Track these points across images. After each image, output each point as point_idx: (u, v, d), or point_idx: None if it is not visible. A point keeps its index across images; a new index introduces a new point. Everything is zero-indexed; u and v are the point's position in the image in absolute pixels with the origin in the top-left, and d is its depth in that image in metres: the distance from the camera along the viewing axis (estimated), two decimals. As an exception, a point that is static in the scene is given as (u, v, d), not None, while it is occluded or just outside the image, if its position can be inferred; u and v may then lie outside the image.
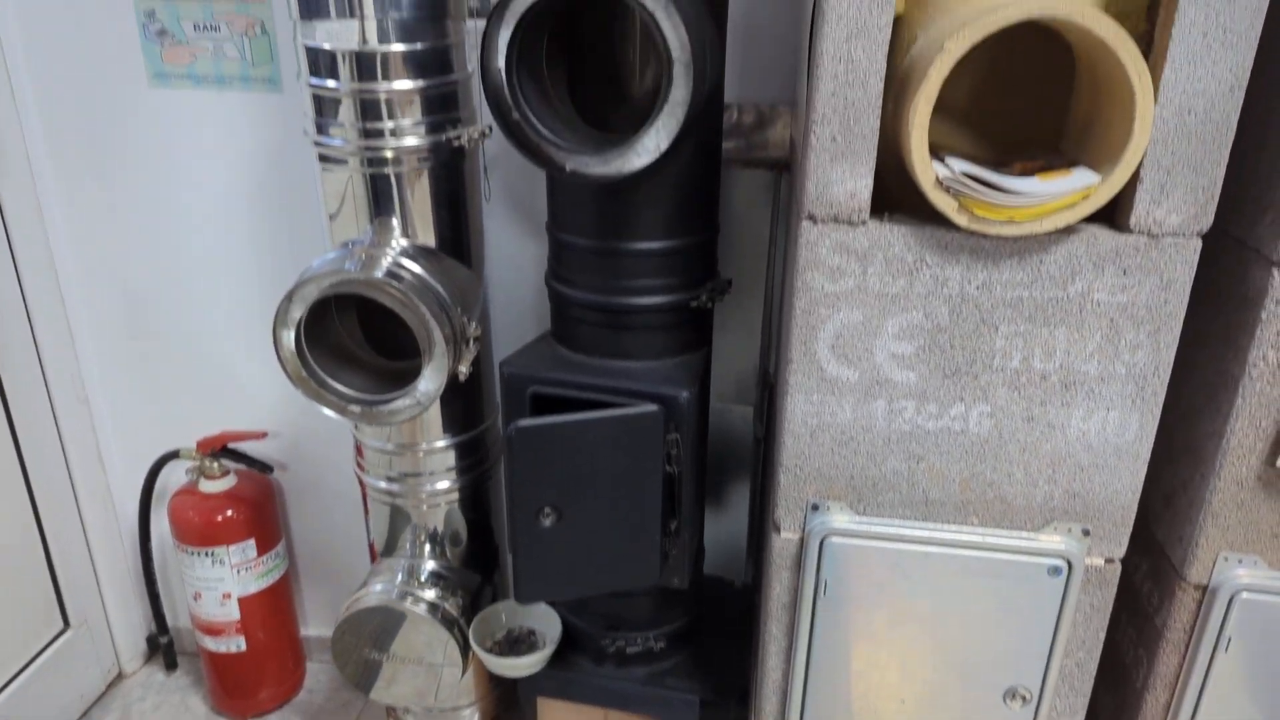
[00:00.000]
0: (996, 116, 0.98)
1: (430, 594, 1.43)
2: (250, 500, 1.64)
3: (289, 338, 1.22)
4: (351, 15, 1.12)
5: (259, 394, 1.67)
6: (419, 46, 1.16)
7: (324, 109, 1.20)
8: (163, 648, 1.88)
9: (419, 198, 1.25)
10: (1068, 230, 0.89)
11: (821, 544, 1.03)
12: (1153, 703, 1.08)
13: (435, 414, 1.38)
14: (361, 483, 1.48)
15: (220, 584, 1.64)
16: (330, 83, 1.17)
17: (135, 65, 1.48)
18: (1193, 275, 0.88)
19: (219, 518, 1.60)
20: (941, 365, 0.96)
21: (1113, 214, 0.90)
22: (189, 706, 1.83)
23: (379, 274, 1.17)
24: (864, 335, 0.96)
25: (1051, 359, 0.94)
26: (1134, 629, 1.12)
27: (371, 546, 1.54)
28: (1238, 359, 0.92)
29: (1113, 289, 0.90)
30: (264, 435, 1.67)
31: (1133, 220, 0.88)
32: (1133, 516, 0.99)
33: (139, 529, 1.76)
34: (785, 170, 1.41)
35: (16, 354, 1.59)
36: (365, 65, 1.15)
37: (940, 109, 0.84)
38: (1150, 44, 0.87)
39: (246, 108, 1.48)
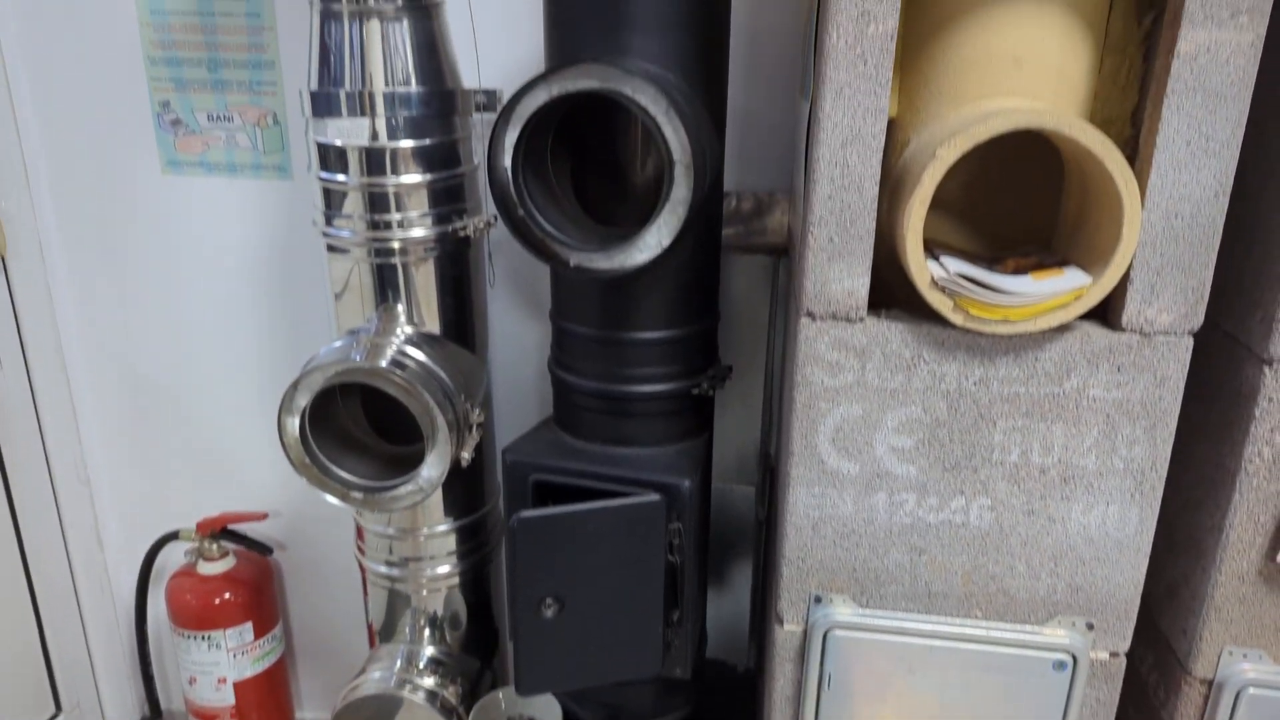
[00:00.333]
0: (989, 210, 1.01)
1: (429, 681, 1.41)
2: (249, 582, 1.63)
3: (293, 425, 1.23)
4: (363, 114, 1.16)
5: (260, 474, 1.67)
6: (427, 142, 1.19)
7: (333, 201, 1.23)
8: (155, 732, 1.85)
9: (424, 285, 1.28)
10: (1062, 328, 0.90)
11: (825, 637, 1.02)
12: (1164, 800, 1.06)
13: (437, 497, 1.38)
14: (361, 566, 1.48)
15: (216, 668, 1.62)
16: (340, 176, 1.20)
17: (149, 153, 1.52)
18: (1185, 373, 0.90)
19: (216, 600, 1.59)
20: (941, 459, 0.97)
21: (1105, 311, 0.92)
22: (180, 794, 1.78)
23: (383, 363, 1.19)
24: (864, 429, 0.97)
25: (1050, 453, 0.95)
26: (1142, 722, 1.11)
27: (370, 628, 1.53)
28: (1233, 454, 0.93)
29: (1108, 385, 0.92)
30: (264, 516, 1.67)
31: (1124, 319, 0.89)
32: (1136, 610, 0.99)
33: (135, 611, 1.74)
34: (784, 255, 1.43)
35: (19, 432, 1.60)
36: (375, 160, 1.18)
37: (934, 204, 0.86)
38: (1136, 148, 0.90)
39: (257, 195, 1.51)
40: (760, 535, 1.52)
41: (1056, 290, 0.88)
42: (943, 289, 0.89)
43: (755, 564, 1.60)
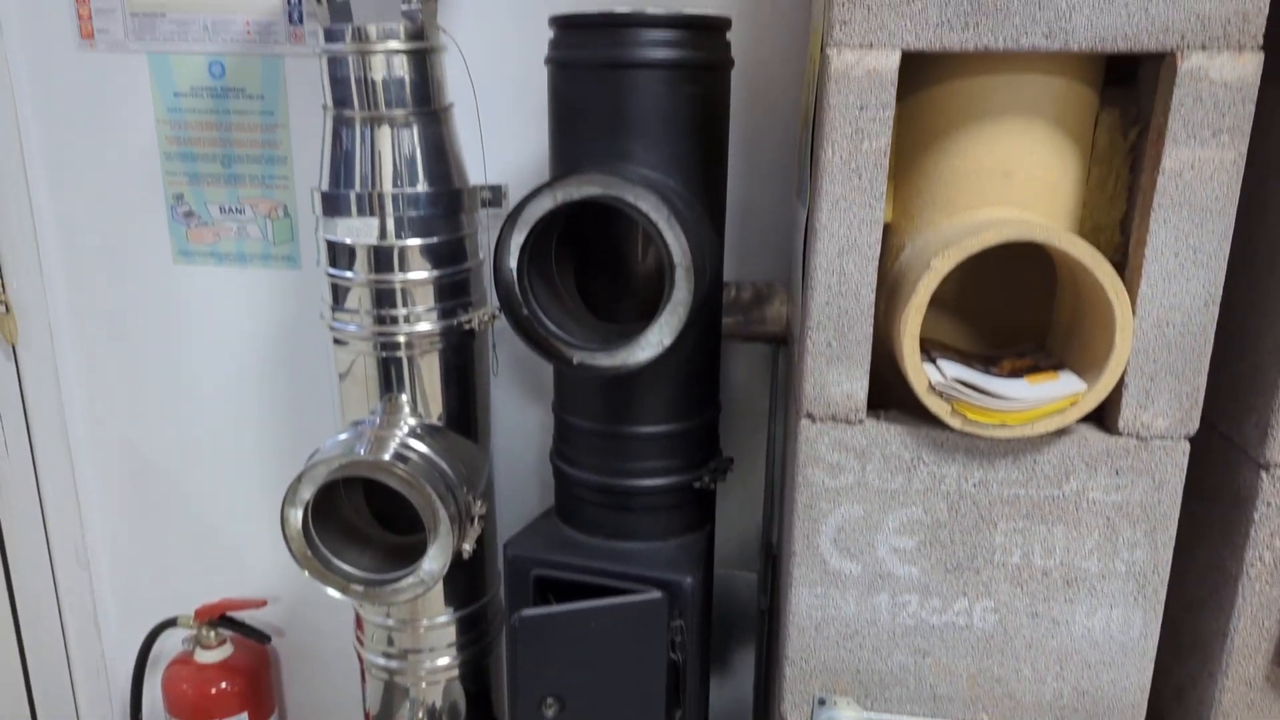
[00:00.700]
0: (984, 307, 1.03)
1: (427, 777, 1.38)
2: (246, 671, 1.61)
3: (296, 516, 1.23)
4: (372, 213, 1.19)
5: (261, 559, 1.67)
6: (434, 240, 1.22)
7: (341, 296, 1.25)
8: (145, 824, 1.80)
9: (429, 376, 1.29)
10: (1060, 431, 0.91)
11: (829, 741, 1.01)
12: None
13: (437, 588, 1.37)
14: (360, 656, 1.46)
15: (210, 759, 1.59)
16: (348, 273, 1.23)
17: (161, 243, 1.55)
18: (1183, 477, 0.90)
19: (213, 690, 1.57)
20: (943, 560, 0.97)
21: (1102, 414, 0.93)
22: None
23: (387, 456, 1.20)
24: (865, 529, 0.97)
25: (1052, 556, 0.95)
26: (1155, 827, 1.09)
27: (368, 717, 1.51)
28: (1235, 557, 0.93)
29: (1107, 488, 0.92)
30: (264, 604, 1.66)
31: (1121, 423, 0.91)
32: (1143, 715, 0.97)
33: (130, 699, 1.71)
34: (783, 344, 1.45)
35: (21, 515, 1.60)
36: (383, 258, 1.21)
37: (930, 302, 0.88)
38: (1126, 254, 0.92)
39: (265, 284, 1.54)
40: (763, 625, 1.51)
41: (1052, 396, 0.89)
42: (940, 394, 0.90)
43: (758, 654, 1.58)
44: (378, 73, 1.16)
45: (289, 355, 1.57)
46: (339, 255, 1.23)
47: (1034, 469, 0.93)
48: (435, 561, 1.23)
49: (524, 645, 1.07)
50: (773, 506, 1.52)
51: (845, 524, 0.97)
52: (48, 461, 1.62)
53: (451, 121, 1.25)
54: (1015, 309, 1.03)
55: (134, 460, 1.66)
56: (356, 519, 1.35)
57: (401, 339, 1.25)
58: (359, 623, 1.44)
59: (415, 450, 1.24)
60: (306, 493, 1.21)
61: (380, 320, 1.24)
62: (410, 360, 1.27)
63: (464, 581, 1.40)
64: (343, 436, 1.25)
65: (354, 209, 1.19)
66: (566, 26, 1.09)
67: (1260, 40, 0.81)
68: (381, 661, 1.41)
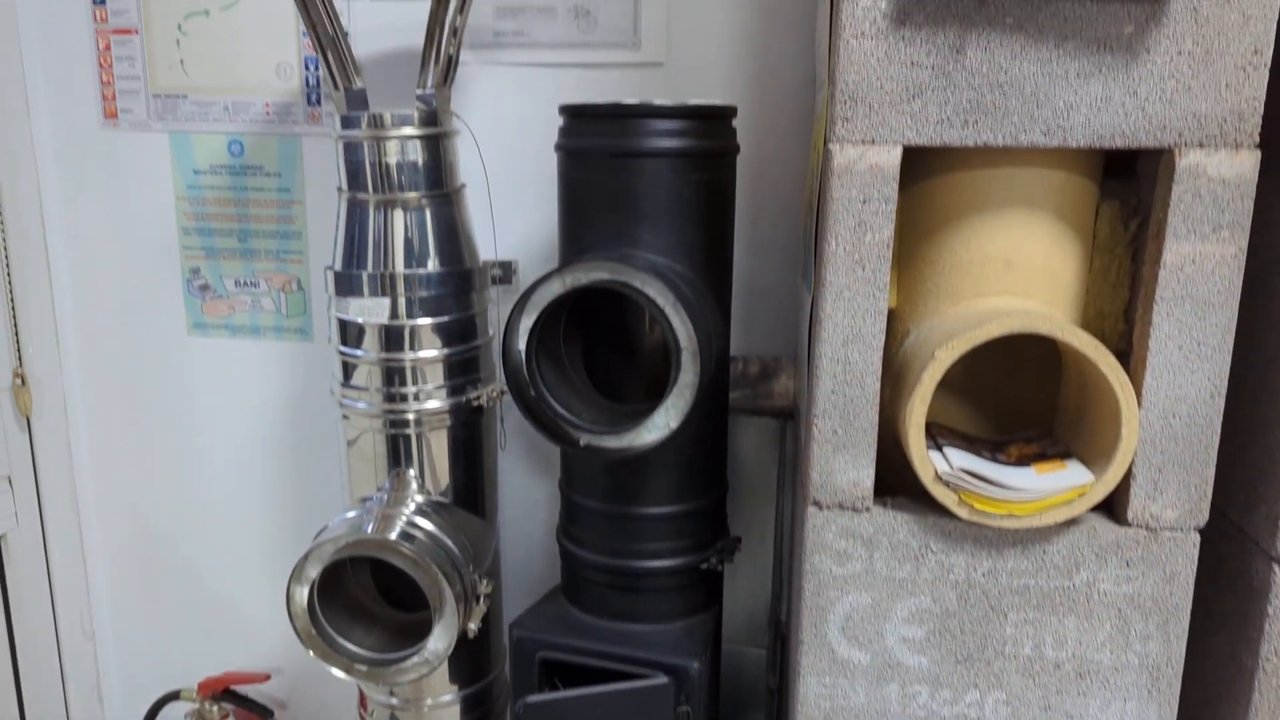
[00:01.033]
0: (990, 391, 1.03)
1: None
2: (248, 746, 1.59)
3: (302, 594, 1.22)
4: (384, 293, 1.21)
5: (265, 632, 1.66)
6: (445, 319, 1.24)
7: (351, 374, 1.26)
8: None
9: (437, 452, 1.30)
10: (1069, 521, 0.91)
11: (839, 836, 0.99)
12: None
13: (442, 667, 1.35)
14: (364, 734, 1.44)
15: (209, 838, 1.56)
16: (359, 351, 1.24)
17: (176, 316, 1.57)
18: (1194, 569, 0.90)
19: (214, 766, 1.55)
20: (953, 650, 0.96)
21: (1111, 504, 0.93)
22: None
23: (393, 535, 1.20)
24: (874, 618, 0.96)
25: (1063, 647, 0.93)
26: None
27: (369, 795, 1.48)
28: (1249, 650, 0.92)
29: (1117, 580, 0.91)
30: (267, 678, 1.65)
31: (1130, 514, 0.90)
32: (1162, 813, 0.95)
33: (130, 774, 1.69)
34: (790, 418, 1.45)
35: (29, 585, 1.60)
36: (394, 337, 1.22)
37: (937, 386, 0.88)
38: (1131, 342, 0.92)
39: (277, 356, 1.56)
40: (772, 705, 1.49)
41: (1060, 487, 0.88)
42: (947, 483, 0.90)
43: (768, 733, 1.55)
44: (392, 157, 1.19)
45: (299, 428, 1.58)
46: (350, 333, 1.25)
47: (1044, 559, 0.92)
48: (440, 641, 1.22)
49: (528, 732, 1.05)
50: (781, 582, 1.50)
51: (853, 612, 0.96)
52: (57, 532, 1.63)
53: (463, 202, 1.28)
54: (1021, 390, 1.03)
55: (142, 531, 1.67)
56: (362, 595, 1.34)
57: (410, 416, 1.26)
58: (362, 700, 1.43)
59: (422, 528, 1.23)
60: (313, 571, 1.21)
61: (390, 398, 1.25)
62: (419, 437, 1.28)
63: (468, 659, 1.38)
64: (350, 514, 1.25)
65: (366, 289, 1.21)
66: (576, 116, 1.11)
67: (1256, 139, 0.82)
68: (385, 741, 1.39)
